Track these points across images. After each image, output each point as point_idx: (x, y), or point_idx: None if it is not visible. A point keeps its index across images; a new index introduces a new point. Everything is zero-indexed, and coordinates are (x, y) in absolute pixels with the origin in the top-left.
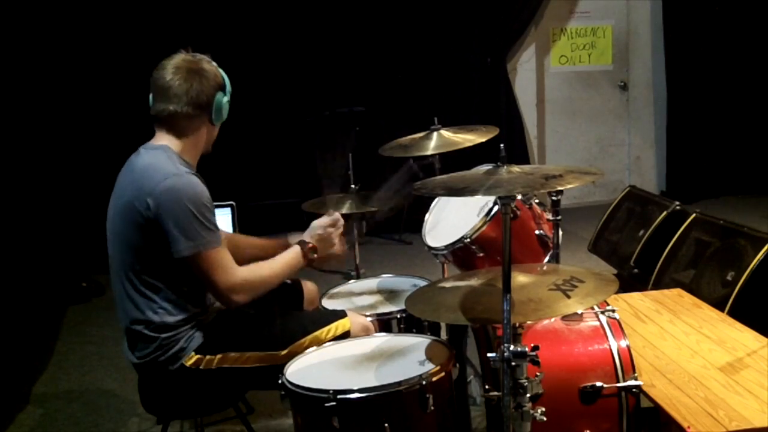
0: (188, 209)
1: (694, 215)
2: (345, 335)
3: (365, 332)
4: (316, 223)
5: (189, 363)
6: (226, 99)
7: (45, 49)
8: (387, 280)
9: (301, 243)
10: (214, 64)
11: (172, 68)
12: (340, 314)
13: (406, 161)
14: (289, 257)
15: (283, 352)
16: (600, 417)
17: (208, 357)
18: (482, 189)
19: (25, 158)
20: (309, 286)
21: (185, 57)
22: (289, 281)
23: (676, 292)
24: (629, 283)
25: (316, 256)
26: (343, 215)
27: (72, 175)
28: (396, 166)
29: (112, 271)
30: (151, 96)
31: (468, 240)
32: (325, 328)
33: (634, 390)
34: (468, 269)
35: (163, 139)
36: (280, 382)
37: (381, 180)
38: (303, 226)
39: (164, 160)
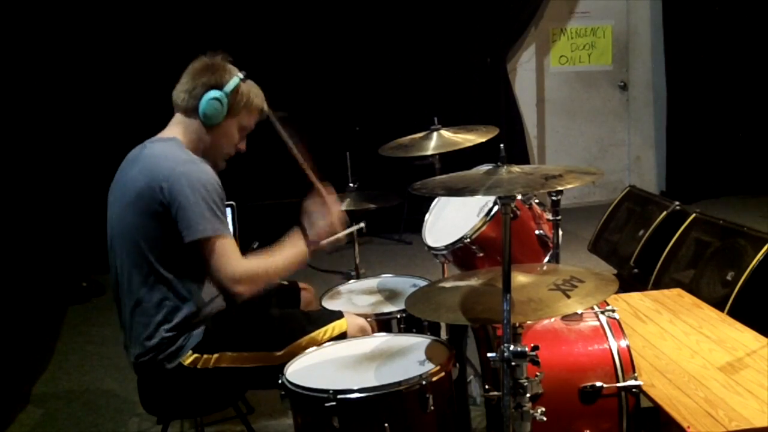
0: (201, 194)
1: (694, 215)
2: (342, 336)
3: (362, 333)
4: (316, 215)
5: (187, 362)
6: (211, 96)
7: (46, 50)
8: (387, 280)
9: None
10: (229, 65)
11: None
12: (337, 315)
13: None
14: (293, 252)
15: (281, 353)
16: (600, 417)
17: (205, 356)
18: (482, 189)
19: (25, 158)
20: (306, 294)
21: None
22: (286, 282)
23: (676, 292)
24: (629, 283)
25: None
26: None
27: (72, 175)
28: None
29: (116, 267)
30: None
31: (468, 240)
32: (322, 329)
33: (634, 390)
34: (468, 269)
35: (172, 131)
36: (280, 382)
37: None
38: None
39: (176, 149)
